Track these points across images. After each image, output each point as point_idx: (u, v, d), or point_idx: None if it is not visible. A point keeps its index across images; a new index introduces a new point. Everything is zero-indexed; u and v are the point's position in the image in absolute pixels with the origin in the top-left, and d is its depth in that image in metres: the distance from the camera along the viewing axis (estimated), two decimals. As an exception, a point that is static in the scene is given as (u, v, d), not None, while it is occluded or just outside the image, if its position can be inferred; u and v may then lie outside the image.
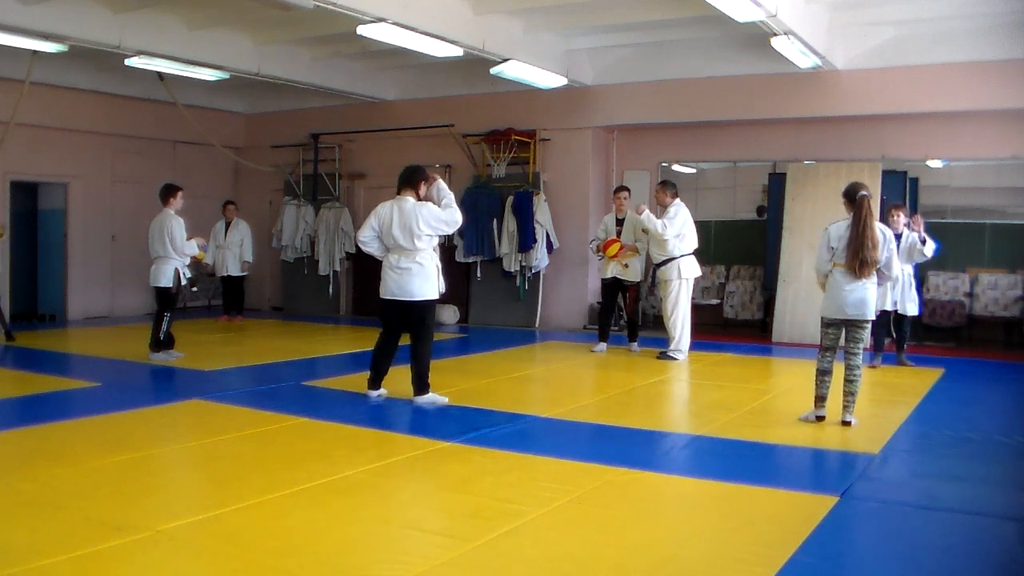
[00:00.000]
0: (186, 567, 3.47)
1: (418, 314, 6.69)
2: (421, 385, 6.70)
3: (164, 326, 8.61)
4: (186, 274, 8.82)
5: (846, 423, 5.99)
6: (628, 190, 9.99)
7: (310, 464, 4.93)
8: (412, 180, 6.67)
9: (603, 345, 9.77)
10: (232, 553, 3.60)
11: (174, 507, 4.15)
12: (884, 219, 8.91)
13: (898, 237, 8.42)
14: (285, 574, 3.39)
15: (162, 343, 8.61)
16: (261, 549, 3.64)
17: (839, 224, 6.06)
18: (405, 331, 6.79)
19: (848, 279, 5.92)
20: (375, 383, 6.86)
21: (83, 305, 12.79)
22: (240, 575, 3.39)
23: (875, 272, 5.95)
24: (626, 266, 9.61)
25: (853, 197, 5.93)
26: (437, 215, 6.59)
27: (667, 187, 9.29)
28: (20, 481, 4.51)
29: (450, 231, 6.87)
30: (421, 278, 6.58)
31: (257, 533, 3.82)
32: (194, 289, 11.93)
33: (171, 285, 8.63)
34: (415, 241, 6.54)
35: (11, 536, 3.70)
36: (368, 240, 6.71)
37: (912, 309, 8.67)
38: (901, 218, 8.49)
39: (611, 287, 9.77)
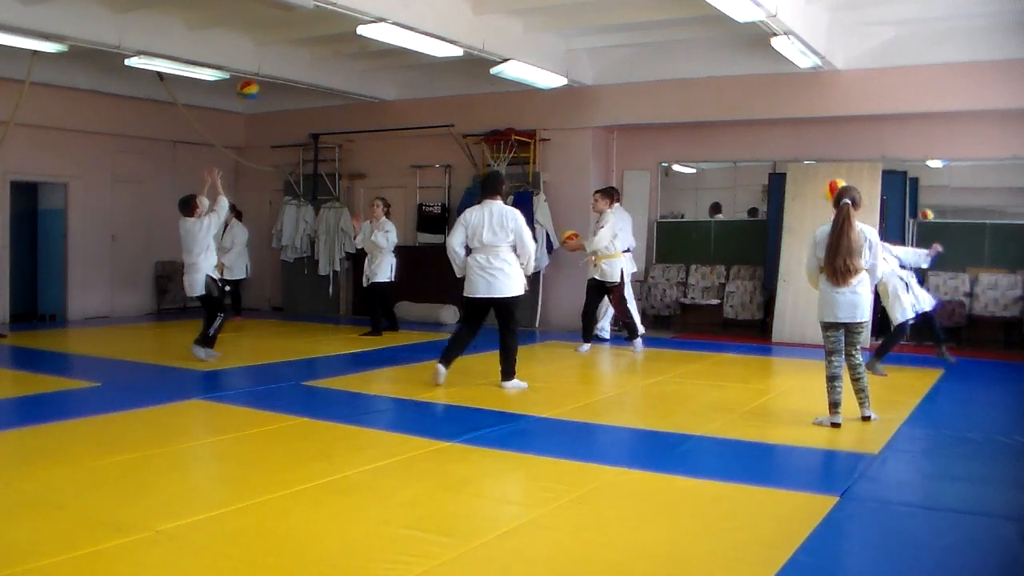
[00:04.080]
0: (186, 567, 3.47)
1: (508, 310, 7.23)
2: (509, 373, 7.27)
3: (217, 323, 8.64)
4: (216, 276, 8.82)
5: (866, 418, 6.09)
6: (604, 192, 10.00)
7: (310, 464, 4.93)
8: (495, 186, 7.24)
9: (586, 346, 9.78)
10: (232, 553, 3.60)
11: (174, 507, 4.14)
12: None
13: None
14: (285, 574, 3.40)
15: (209, 340, 8.62)
16: (261, 549, 3.65)
17: (824, 228, 6.07)
18: (483, 325, 7.40)
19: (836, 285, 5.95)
20: (447, 362, 7.33)
21: (83, 305, 12.78)
22: (240, 575, 3.39)
23: (861, 275, 5.96)
24: (599, 267, 9.62)
25: (837, 203, 5.97)
26: (523, 225, 7.12)
27: (605, 194, 9.96)
28: (20, 481, 4.51)
29: (522, 254, 7.22)
30: (511, 278, 7.14)
31: (257, 533, 3.82)
32: (228, 288, 11.91)
33: (206, 292, 8.63)
34: (505, 237, 7.03)
35: (11, 536, 3.70)
36: (458, 247, 7.21)
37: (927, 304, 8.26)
38: None
39: (594, 288, 9.81)
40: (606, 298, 10.19)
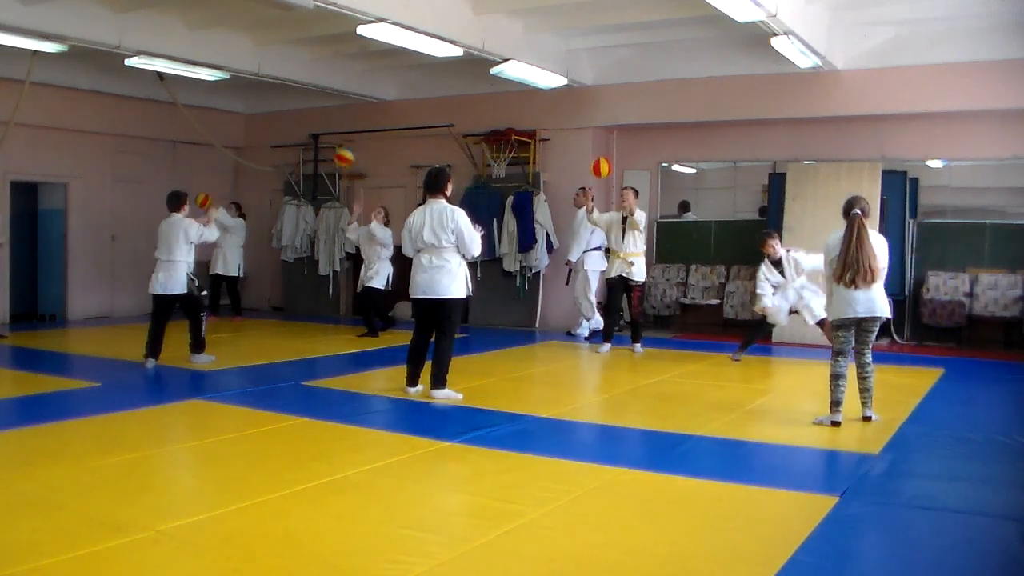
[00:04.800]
0: (186, 567, 3.47)
1: (445, 311, 6.86)
2: (439, 381, 6.86)
3: (203, 326, 8.56)
4: (195, 281, 8.75)
5: (867, 418, 6.08)
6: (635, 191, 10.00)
7: (310, 464, 4.93)
8: (438, 184, 6.90)
9: (607, 346, 9.75)
10: (232, 553, 3.60)
11: (174, 507, 4.15)
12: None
13: (777, 263, 8.53)
14: (285, 574, 3.40)
15: (202, 344, 8.56)
16: (261, 549, 3.64)
17: (836, 235, 6.08)
18: (435, 328, 7.00)
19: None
20: (412, 380, 7.04)
21: (83, 305, 12.79)
22: (240, 575, 3.39)
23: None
24: (632, 264, 9.57)
25: (847, 213, 6.00)
26: (468, 224, 6.80)
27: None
28: (20, 481, 4.51)
29: (465, 251, 6.88)
30: (449, 277, 6.78)
31: (257, 533, 3.82)
32: (204, 293, 11.83)
33: (187, 290, 8.56)
34: (446, 237, 6.73)
35: (11, 536, 3.70)
36: (410, 253, 6.99)
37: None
38: (778, 246, 8.55)
39: (617, 286, 9.71)
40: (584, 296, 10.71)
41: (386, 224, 10.99)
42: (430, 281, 6.78)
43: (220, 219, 11.90)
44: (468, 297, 7.02)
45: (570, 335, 11.22)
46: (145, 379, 7.95)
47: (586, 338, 10.94)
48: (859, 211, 5.96)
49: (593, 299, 10.92)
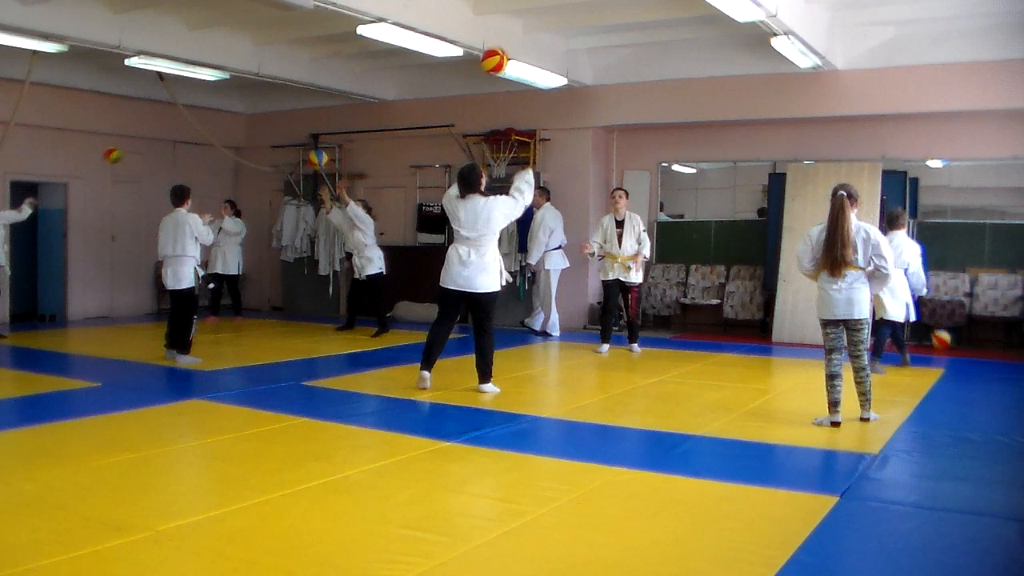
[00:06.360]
0: (186, 567, 3.47)
1: (484, 306, 7.10)
2: (486, 375, 7.10)
3: (194, 329, 8.59)
4: (201, 272, 8.80)
5: (865, 419, 6.07)
6: (626, 192, 10.03)
7: (310, 464, 4.93)
8: (471, 182, 7.03)
9: (606, 346, 9.76)
10: (232, 553, 3.60)
11: (174, 507, 4.15)
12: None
13: None
14: (285, 574, 3.40)
15: (188, 345, 8.56)
16: (261, 549, 3.64)
17: (820, 226, 6.06)
18: (460, 320, 7.32)
19: (831, 279, 5.93)
20: (427, 365, 7.19)
21: (83, 305, 12.79)
22: (240, 575, 3.39)
23: (859, 271, 5.90)
24: (629, 268, 9.59)
25: (832, 196, 5.93)
26: (505, 210, 7.00)
27: (541, 192, 10.98)
28: (20, 481, 4.51)
29: (516, 216, 7.21)
30: (487, 273, 7.00)
31: (257, 533, 3.82)
32: (211, 286, 11.85)
33: (194, 285, 8.60)
34: (486, 234, 6.96)
35: (11, 536, 3.70)
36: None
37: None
38: None
39: (613, 288, 9.75)
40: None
41: (368, 207, 11.18)
42: (469, 276, 6.99)
43: (226, 227, 11.99)
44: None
45: (523, 325, 11.65)
46: (145, 379, 7.96)
47: (536, 332, 11.37)
48: (844, 193, 5.88)
49: (553, 302, 11.35)
